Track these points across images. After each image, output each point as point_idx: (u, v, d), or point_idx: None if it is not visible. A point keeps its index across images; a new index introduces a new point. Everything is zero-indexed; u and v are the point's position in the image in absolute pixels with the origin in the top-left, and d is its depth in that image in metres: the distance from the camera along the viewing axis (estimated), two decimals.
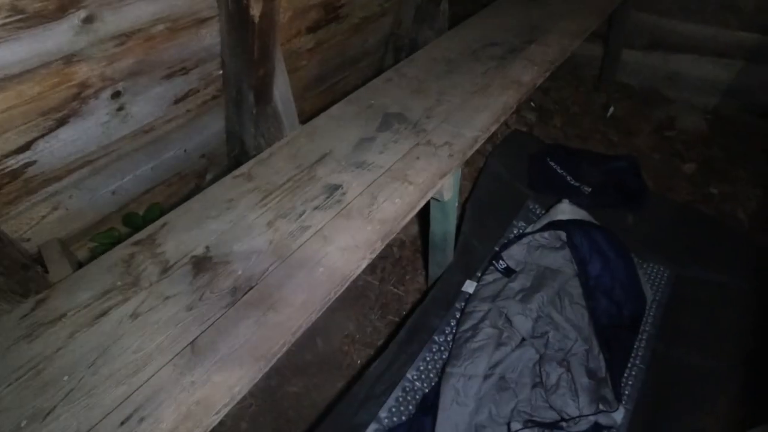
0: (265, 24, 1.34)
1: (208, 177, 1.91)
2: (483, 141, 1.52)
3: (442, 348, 1.61)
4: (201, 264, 1.14)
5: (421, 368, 1.56)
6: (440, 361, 1.58)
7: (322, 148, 1.48)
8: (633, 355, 1.61)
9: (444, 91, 1.71)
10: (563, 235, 1.77)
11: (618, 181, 2.20)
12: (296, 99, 1.74)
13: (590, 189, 2.17)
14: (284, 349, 0.99)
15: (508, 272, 1.76)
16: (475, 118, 1.56)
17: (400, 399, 1.48)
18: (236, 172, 1.41)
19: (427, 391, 1.51)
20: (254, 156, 1.48)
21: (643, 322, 1.69)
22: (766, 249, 1.92)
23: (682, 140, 2.67)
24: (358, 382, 1.47)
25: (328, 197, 1.30)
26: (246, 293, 1.07)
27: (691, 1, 2.67)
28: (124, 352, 0.97)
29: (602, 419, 1.39)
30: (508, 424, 1.41)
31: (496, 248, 1.89)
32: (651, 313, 1.74)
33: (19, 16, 0.95)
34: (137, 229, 1.35)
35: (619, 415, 1.42)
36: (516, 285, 1.70)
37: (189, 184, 1.85)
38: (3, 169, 1.15)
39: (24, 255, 1.29)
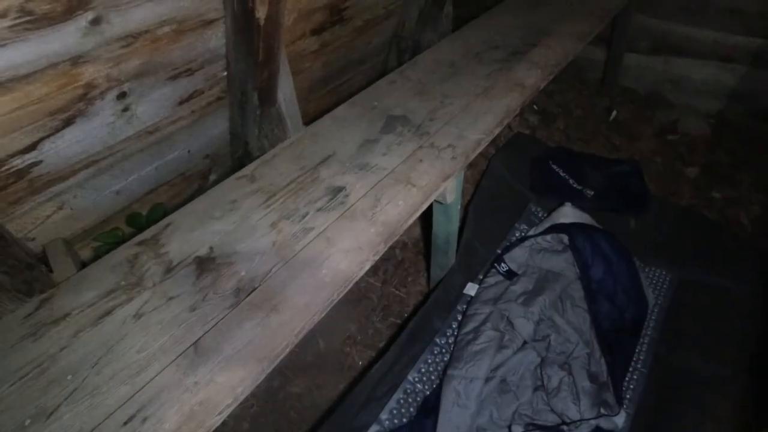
0: (271, 26, 1.35)
1: (212, 178, 1.92)
2: (486, 144, 1.53)
3: (444, 350, 1.61)
4: (204, 264, 1.15)
5: (423, 370, 1.56)
6: (441, 364, 1.58)
7: (325, 149, 1.48)
8: (635, 359, 1.61)
9: (447, 93, 1.71)
10: (565, 238, 1.78)
11: (621, 184, 2.20)
12: (300, 100, 1.74)
13: (593, 192, 2.17)
14: (287, 350, 0.99)
15: (510, 275, 1.76)
16: (478, 120, 1.56)
17: (401, 401, 1.48)
18: (240, 173, 1.42)
19: (428, 393, 1.52)
20: (258, 157, 1.49)
21: (645, 326, 1.69)
22: None
23: (685, 144, 2.66)
24: (360, 384, 1.47)
25: (331, 199, 1.30)
26: (249, 294, 1.08)
27: (695, 5, 2.67)
28: (127, 352, 0.97)
29: (604, 423, 1.39)
30: (509, 427, 1.41)
31: (498, 251, 1.89)
32: (653, 317, 1.73)
33: (28, 18, 0.96)
34: (141, 229, 1.36)
35: (620, 419, 1.42)
36: (518, 288, 1.70)
37: (192, 184, 1.86)
38: (9, 169, 1.16)
39: (28, 254, 1.29)
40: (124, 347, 0.98)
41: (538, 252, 1.80)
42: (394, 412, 1.46)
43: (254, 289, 1.09)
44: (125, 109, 1.34)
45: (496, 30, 2.15)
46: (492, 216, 2.02)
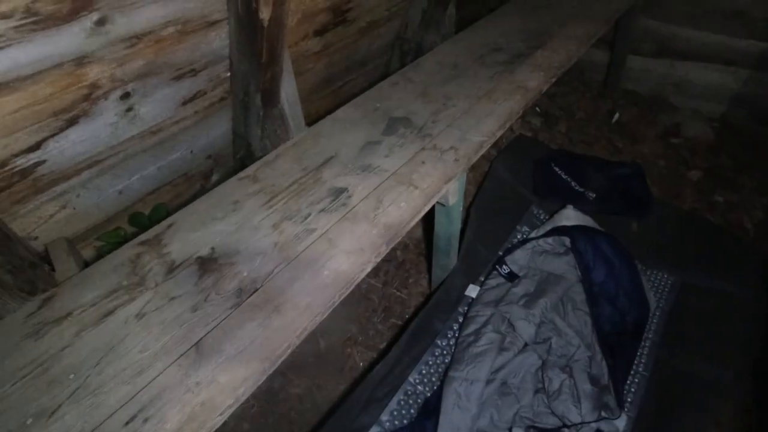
0: (274, 27, 1.35)
1: (214, 178, 1.92)
2: (489, 146, 1.52)
3: (445, 352, 1.61)
4: (206, 265, 1.15)
5: (424, 372, 1.56)
6: (443, 365, 1.58)
7: (327, 150, 1.48)
8: (636, 362, 1.60)
9: (450, 95, 1.71)
10: (567, 240, 1.77)
11: (623, 187, 2.20)
12: (302, 101, 1.75)
13: (595, 195, 2.17)
14: (288, 351, 0.99)
15: (512, 277, 1.76)
16: (480, 123, 1.56)
17: (402, 402, 1.48)
18: (242, 173, 1.42)
19: (429, 394, 1.52)
20: (260, 158, 1.49)
21: (646, 330, 1.68)
22: None
23: (688, 147, 2.66)
24: (360, 385, 1.47)
25: (333, 200, 1.31)
26: (251, 295, 1.08)
27: (699, 9, 2.67)
28: (129, 352, 0.98)
29: (605, 426, 1.39)
30: (510, 430, 1.41)
31: (500, 253, 1.89)
32: (654, 321, 1.73)
33: (33, 18, 0.96)
34: (143, 228, 1.36)
35: (621, 423, 1.42)
36: (519, 290, 1.70)
37: (195, 184, 1.86)
38: (13, 168, 1.16)
39: (31, 253, 1.30)
40: (126, 347, 0.98)
41: (540, 254, 1.80)
42: (395, 413, 1.46)
43: (256, 290, 1.09)
44: (129, 110, 1.34)
45: (499, 32, 2.15)
46: (494, 218, 2.02)
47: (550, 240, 1.81)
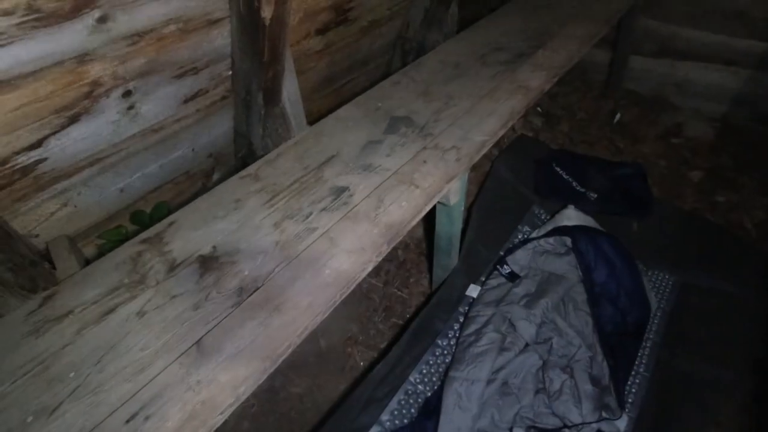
0: (276, 26, 1.35)
1: (215, 177, 1.92)
2: (490, 146, 1.52)
3: (446, 352, 1.61)
4: (208, 263, 1.15)
5: (424, 372, 1.56)
6: (443, 365, 1.58)
7: (329, 149, 1.48)
8: (637, 362, 1.60)
9: (452, 94, 1.71)
10: (568, 240, 1.77)
11: (624, 187, 2.20)
12: (304, 100, 1.74)
13: (596, 195, 2.17)
14: (289, 350, 0.99)
15: (513, 277, 1.76)
16: (482, 122, 1.56)
17: (403, 402, 1.48)
18: (243, 172, 1.42)
19: (429, 394, 1.51)
20: (261, 156, 1.49)
21: (647, 330, 1.68)
22: None
23: (689, 148, 2.66)
24: (361, 385, 1.47)
25: (335, 199, 1.30)
26: (252, 294, 1.08)
27: (699, 9, 2.66)
28: (130, 350, 0.97)
29: (605, 427, 1.39)
30: (511, 430, 1.41)
31: (501, 253, 1.88)
32: (655, 321, 1.73)
33: (35, 15, 0.96)
34: (144, 227, 1.36)
35: (622, 423, 1.42)
36: (520, 290, 1.69)
37: (196, 183, 1.86)
38: (14, 166, 1.16)
39: (32, 251, 1.30)
40: (126, 345, 0.98)
41: (541, 254, 1.80)
42: (395, 413, 1.46)
43: (257, 289, 1.09)
44: (130, 108, 1.34)
45: (500, 32, 2.15)
46: (495, 218, 2.02)
47: (551, 240, 1.81)
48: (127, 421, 0.86)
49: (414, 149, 1.46)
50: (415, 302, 1.95)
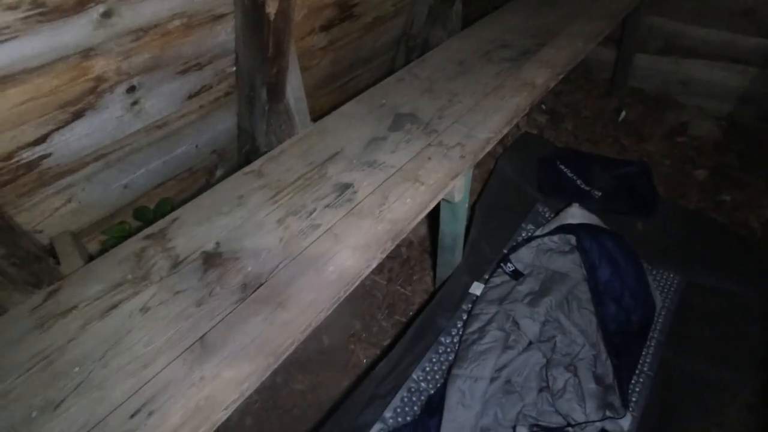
0: (281, 21, 1.34)
1: (218, 173, 1.92)
2: (495, 143, 1.52)
3: (449, 349, 1.60)
4: (211, 259, 1.15)
5: (427, 369, 1.55)
6: (446, 363, 1.57)
7: (333, 146, 1.48)
8: (641, 362, 1.59)
9: (456, 91, 1.70)
10: (573, 239, 1.76)
11: (629, 186, 2.18)
12: (307, 97, 1.74)
13: (600, 193, 2.15)
14: (293, 347, 0.99)
15: (516, 275, 1.75)
16: (487, 119, 1.55)
17: (405, 399, 1.48)
18: (247, 168, 1.42)
19: (432, 392, 1.51)
20: (265, 153, 1.49)
21: (651, 329, 1.67)
22: None
23: (694, 146, 2.64)
24: (364, 382, 1.47)
25: (338, 196, 1.30)
26: (256, 290, 1.08)
27: (707, 6, 2.64)
28: (134, 346, 0.98)
29: (609, 426, 1.38)
30: (514, 428, 1.41)
31: (505, 251, 1.88)
32: (660, 320, 1.72)
33: (40, 10, 0.96)
34: (148, 223, 1.36)
35: (626, 422, 1.41)
36: (524, 288, 1.69)
37: (199, 179, 1.86)
38: (19, 161, 1.16)
39: (37, 246, 1.30)
40: (130, 341, 0.98)
41: (545, 252, 1.79)
42: (398, 410, 1.45)
43: (261, 285, 1.09)
44: (134, 103, 1.34)
45: (505, 29, 2.14)
46: (499, 216, 2.01)
47: (555, 238, 1.80)
48: (131, 417, 0.86)
49: (418, 146, 1.46)
50: (418, 300, 1.95)
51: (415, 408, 1.48)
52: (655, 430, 1.44)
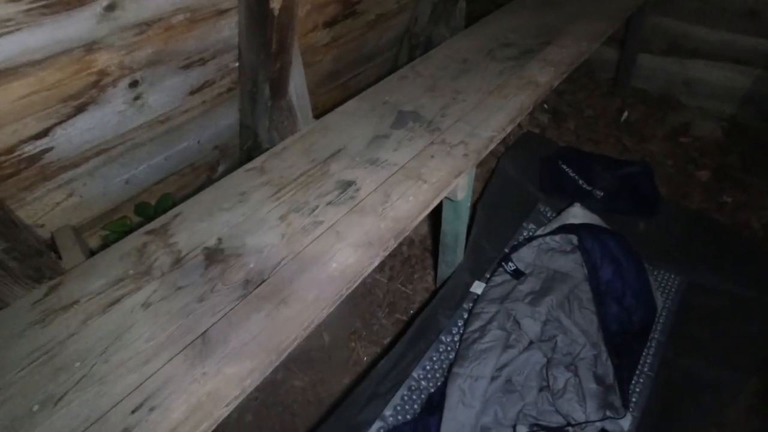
0: (285, 17, 1.34)
1: (220, 169, 1.91)
2: (498, 141, 1.51)
3: (449, 348, 1.60)
4: (213, 255, 1.15)
5: (428, 368, 1.55)
6: (447, 361, 1.57)
7: (335, 143, 1.47)
8: (641, 362, 1.59)
9: (459, 90, 1.70)
10: (574, 238, 1.76)
11: (631, 186, 2.18)
12: (310, 94, 1.73)
13: (602, 193, 2.15)
14: (295, 343, 0.99)
15: (517, 274, 1.75)
16: (490, 118, 1.55)
17: (406, 398, 1.48)
18: (249, 165, 1.41)
19: (432, 390, 1.51)
20: (267, 149, 1.48)
21: (652, 330, 1.67)
22: None
23: (697, 147, 2.64)
24: (364, 380, 1.47)
25: (341, 193, 1.30)
26: (258, 286, 1.07)
27: (710, 7, 2.64)
28: (135, 341, 0.97)
29: (609, 426, 1.38)
30: (514, 427, 1.41)
31: (506, 250, 1.88)
32: (661, 321, 1.72)
33: (44, 2, 0.95)
34: (149, 218, 1.36)
35: (626, 423, 1.41)
36: (525, 287, 1.69)
37: (201, 175, 1.85)
38: (21, 155, 1.16)
39: (38, 241, 1.30)
40: (132, 336, 0.98)
41: (546, 252, 1.79)
42: (398, 408, 1.45)
43: (263, 282, 1.08)
44: (137, 98, 1.33)
45: (508, 27, 2.13)
46: (500, 215, 2.01)
47: (557, 238, 1.80)
48: (133, 412, 0.86)
49: (421, 144, 1.45)
50: (419, 298, 1.95)
51: (416, 406, 1.48)
52: (655, 430, 1.44)
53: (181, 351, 0.95)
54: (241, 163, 1.44)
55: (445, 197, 1.42)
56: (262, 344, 0.96)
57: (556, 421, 1.43)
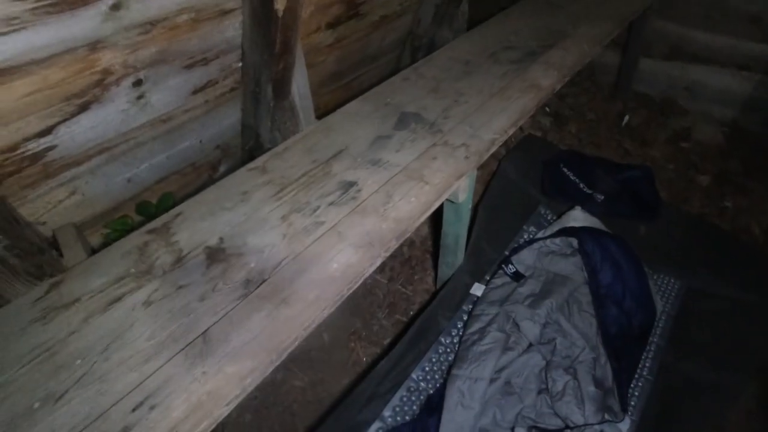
0: (289, 18, 1.34)
1: (222, 169, 1.92)
2: (500, 144, 1.51)
3: (449, 350, 1.60)
4: (214, 255, 1.15)
5: (427, 369, 1.55)
6: (446, 363, 1.57)
7: (337, 144, 1.48)
8: (641, 366, 1.59)
9: (462, 91, 1.70)
10: (575, 242, 1.76)
11: (632, 190, 2.18)
12: (312, 94, 1.74)
13: (603, 197, 2.15)
14: (296, 343, 0.99)
15: (517, 277, 1.75)
16: (492, 120, 1.55)
17: (405, 399, 1.48)
18: (251, 164, 1.41)
19: (432, 392, 1.51)
20: (269, 149, 1.49)
21: (652, 333, 1.67)
22: None
23: (698, 152, 2.64)
24: (364, 380, 1.47)
25: (343, 193, 1.30)
26: (259, 286, 1.08)
27: (713, 12, 2.64)
28: (136, 340, 0.97)
29: (607, 429, 1.38)
30: (513, 429, 1.41)
31: (506, 252, 1.88)
32: (660, 325, 1.72)
33: (49, 1, 0.95)
34: (150, 217, 1.36)
35: (624, 426, 1.41)
36: (525, 290, 1.69)
37: (202, 174, 1.86)
38: (24, 153, 1.16)
39: (40, 238, 1.30)
40: (133, 334, 0.98)
41: (547, 255, 1.79)
42: (397, 409, 1.46)
43: (264, 281, 1.08)
44: (140, 97, 1.34)
45: (511, 30, 2.13)
46: (501, 217, 2.01)
47: (557, 241, 1.80)
48: (133, 410, 0.86)
49: (424, 145, 1.46)
50: (419, 299, 1.95)
51: (415, 407, 1.48)
52: None
53: (181, 350, 0.95)
54: (242, 163, 1.44)
55: (447, 199, 1.43)
56: (263, 344, 0.97)
57: (554, 423, 1.43)
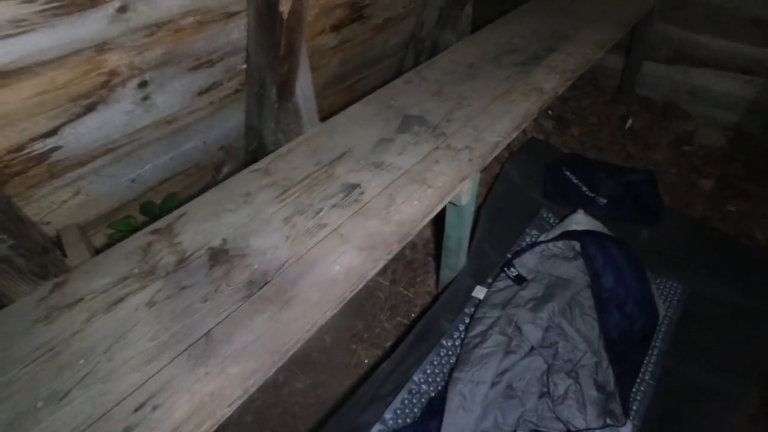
0: (294, 20, 1.35)
1: (225, 170, 1.92)
2: (503, 147, 1.52)
3: (450, 352, 1.60)
4: (217, 256, 1.15)
5: (428, 371, 1.55)
6: (448, 366, 1.57)
7: (340, 146, 1.48)
8: (642, 370, 1.59)
9: (465, 95, 1.70)
10: (577, 245, 1.76)
11: (634, 194, 2.18)
12: (316, 96, 1.74)
13: (606, 201, 2.15)
14: (298, 345, 0.99)
15: (520, 280, 1.75)
16: (495, 123, 1.56)
17: (406, 401, 1.48)
18: (254, 166, 1.42)
19: (433, 394, 1.51)
20: (272, 151, 1.49)
21: (654, 338, 1.67)
22: None
23: (701, 156, 2.64)
24: (365, 382, 1.47)
25: (346, 196, 1.30)
26: (262, 287, 1.08)
27: (716, 16, 2.64)
28: (139, 340, 0.98)
29: None
30: None
31: (509, 255, 1.88)
32: (662, 329, 1.72)
33: (57, 3, 0.96)
34: (154, 218, 1.37)
35: (626, 430, 1.41)
36: (527, 293, 1.69)
37: (206, 176, 1.87)
38: (30, 153, 1.17)
39: (44, 238, 1.31)
40: (136, 335, 0.99)
41: (549, 258, 1.79)
42: (398, 411, 1.45)
43: (266, 283, 1.09)
44: (145, 98, 1.34)
45: (514, 33, 2.14)
46: (503, 220, 2.01)
47: (559, 244, 1.80)
48: (135, 410, 0.87)
49: (426, 148, 1.46)
50: (421, 302, 1.95)
51: (416, 410, 1.48)
52: None
53: (184, 350, 0.96)
54: (245, 165, 1.45)
55: (449, 202, 1.43)
56: (265, 345, 0.97)
57: (556, 427, 1.42)
